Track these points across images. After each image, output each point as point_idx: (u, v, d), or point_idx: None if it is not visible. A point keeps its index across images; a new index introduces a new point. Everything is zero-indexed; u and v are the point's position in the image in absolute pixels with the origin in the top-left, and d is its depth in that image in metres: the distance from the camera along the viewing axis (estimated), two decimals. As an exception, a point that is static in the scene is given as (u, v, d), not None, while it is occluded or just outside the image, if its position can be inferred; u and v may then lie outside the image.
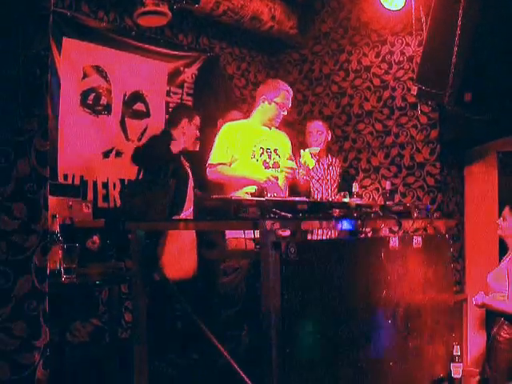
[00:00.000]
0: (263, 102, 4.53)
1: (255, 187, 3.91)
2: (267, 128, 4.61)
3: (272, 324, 2.90)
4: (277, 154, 4.55)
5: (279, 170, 4.47)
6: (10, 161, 2.45)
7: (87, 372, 4.27)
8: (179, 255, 4.32)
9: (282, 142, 4.68)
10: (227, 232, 4.28)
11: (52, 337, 2.67)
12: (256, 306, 4.12)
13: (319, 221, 3.34)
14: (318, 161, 5.59)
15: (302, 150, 4.57)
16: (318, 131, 5.64)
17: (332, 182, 5.68)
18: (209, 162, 4.42)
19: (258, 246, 4.00)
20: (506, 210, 5.20)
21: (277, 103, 4.50)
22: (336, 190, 5.62)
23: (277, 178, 4.35)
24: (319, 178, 5.71)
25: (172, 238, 4.36)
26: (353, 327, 3.41)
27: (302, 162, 4.52)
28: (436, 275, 4.25)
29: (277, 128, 4.69)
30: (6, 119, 2.47)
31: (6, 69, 2.49)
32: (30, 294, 2.50)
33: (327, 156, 5.79)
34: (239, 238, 4.10)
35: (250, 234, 3.91)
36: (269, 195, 3.56)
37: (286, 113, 4.59)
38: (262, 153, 4.48)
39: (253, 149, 4.45)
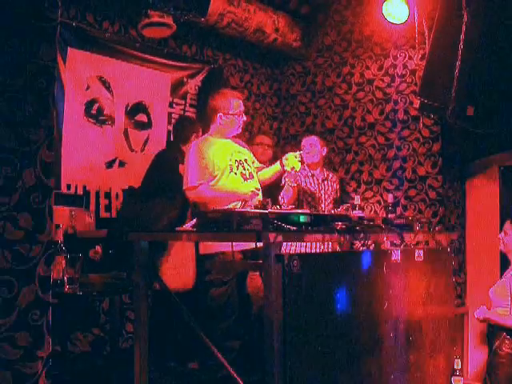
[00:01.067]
0: (220, 118, 4.52)
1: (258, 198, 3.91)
2: (229, 140, 4.63)
3: (274, 336, 2.90)
4: (248, 164, 4.58)
5: (254, 180, 4.51)
6: (16, 171, 2.46)
7: (88, 381, 4.26)
8: (180, 267, 4.33)
9: (246, 151, 4.71)
10: (213, 246, 4.22)
11: (54, 346, 2.67)
12: (250, 317, 4.16)
13: (322, 234, 3.34)
14: (312, 175, 5.66)
15: (284, 156, 4.56)
16: (311, 144, 5.63)
17: (326, 196, 5.66)
18: (188, 184, 4.36)
19: (249, 260, 4.06)
20: (507, 224, 5.20)
21: (233, 114, 4.52)
22: (331, 206, 5.60)
23: (259, 190, 4.37)
24: (312, 193, 5.69)
25: (175, 249, 4.37)
26: (354, 340, 3.41)
27: (288, 167, 4.51)
28: (437, 288, 4.24)
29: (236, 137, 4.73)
30: (13, 129, 2.48)
31: (13, 79, 2.51)
32: (33, 303, 2.51)
33: (322, 170, 5.79)
34: (226, 251, 4.08)
35: (238, 246, 3.94)
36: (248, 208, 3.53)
37: (244, 118, 4.61)
38: (238, 165, 4.49)
39: (229, 163, 4.44)
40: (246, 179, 4.46)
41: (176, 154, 5.07)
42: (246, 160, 4.58)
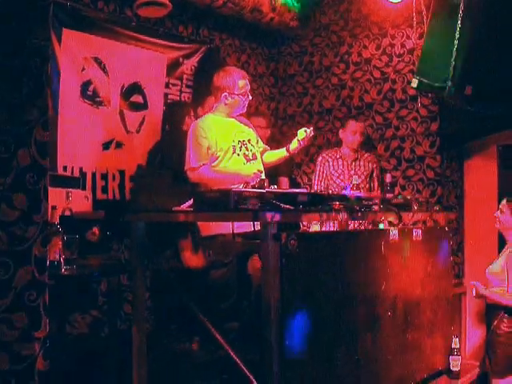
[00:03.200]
0: (225, 98, 4.45)
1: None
2: (233, 119, 4.57)
3: (271, 316, 2.90)
4: (251, 145, 4.53)
5: (257, 161, 4.47)
6: (10, 151, 2.44)
7: (86, 363, 4.26)
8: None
9: (249, 131, 4.65)
10: (213, 228, 4.21)
11: (51, 328, 2.67)
12: (250, 299, 4.16)
13: (319, 213, 3.33)
14: (340, 157, 5.90)
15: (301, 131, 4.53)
16: (355, 132, 5.93)
17: (359, 174, 5.75)
18: (190, 165, 4.33)
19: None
20: (504, 202, 5.20)
21: (239, 94, 4.45)
22: (362, 185, 5.67)
23: (261, 172, 4.34)
24: (339, 174, 5.78)
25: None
26: (352, 319, 3.42)
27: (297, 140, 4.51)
28: (435, 268, 4.25)
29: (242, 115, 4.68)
30: (7, 109, 2.46)
31: (7, 59, 2.48)
32: (30, 284, 2.50)
33: (355, 152, 5.91)
34: (226, 233, 4.07)
35: (240, 228, 3.92)
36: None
37: (250, 98, 4.55)
38: (241, 146, 4.44)
39: (232, 144, 4.40)
40: (248, 160, 4.43)
41: (177, 137, 5.09)
42: (249, 140, 4.53)
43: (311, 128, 4.50)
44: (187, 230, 4.60)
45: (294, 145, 4.53)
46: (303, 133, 4.45)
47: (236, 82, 4.45)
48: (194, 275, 4.49)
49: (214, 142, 4.34)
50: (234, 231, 3.81)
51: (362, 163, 5.91)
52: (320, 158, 6.09)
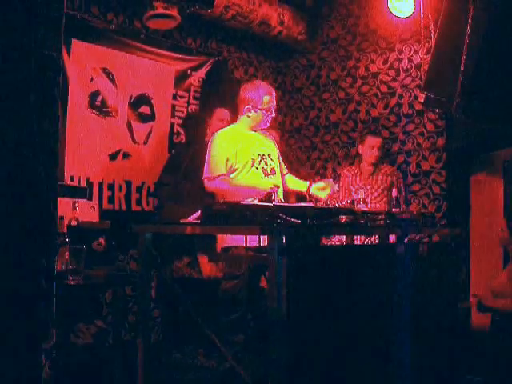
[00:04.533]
0: (249, 111, 4.43)
1: None
2: (255, 132, 4.55)
3: (278, 329, 2.90)
4: (271, 159, 4.50)
5: (276, 176, 4.45)
6: (20, 161, 2.45)
7: (90, 373, 4.26)
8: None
9: (271, 145, 4.63)
10: (227, 240, 4.20)
11: (56, 338, 2.67)
12: (259, 311, 4.16)
13: (326, 227, 3.33)
14: (358, 172, 5.96)
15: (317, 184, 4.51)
16: (373, 146, 5.94)
17: (373, 191, 5.75)
18: (207, 174, 4.32)
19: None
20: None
21: (262, 109, 4.43)
22: (379, 199, 5.68)
23: (278, 187, 4.32)
24: (356, 189, 5.80)
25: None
26: (358, 333, 3.41)
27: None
28: (441, 283, 4.24)
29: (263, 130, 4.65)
30: (18, 120, 2.47)
31: (19, 70, 2.50)
32: (37, 294, 2.51)
33: (373, 166, 5.94)
34: (239, 246, 4.04)
35: (252, 242, 3.92)
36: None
37: (274, 114, 4.52)
38: (260, 160, 4.42)
39: (251, 157, 4.38)
40: (267, 175, 4.40)
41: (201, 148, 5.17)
42: (269, 155, 4.51)
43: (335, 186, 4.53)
44: (205, 240, 4.63)
45: (316, 193, 4.45)
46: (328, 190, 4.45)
47: (261, 96, 4.43)
48: (204, 286, 4.51)
49: (233, 154, 4.32)
50: (248, 244, 3.79)
51: (379, 177, 5.90)
52: (342, 174, 6.18)
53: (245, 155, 4.37)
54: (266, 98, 4.44)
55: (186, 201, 4.82)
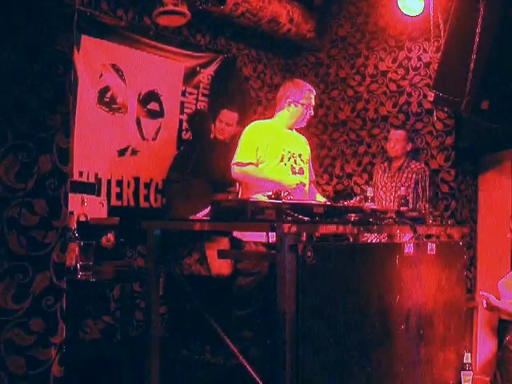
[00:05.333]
0: (289, 105, 4.45)
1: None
2: (291, 131, 4.56)
3: (286, 327, 2.90)
4: (301, 160, 4.50)
5: (303, 176, 4.45)
6: (32, 156, 2.45)
7: (98, 369, 4.27)
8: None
9: (304, 146, 4.63)
10: (248, 235, 4.20)
11: (66, 333, 2.68)
12: (271, 308, 4.16)
13: (335, 225, 3.33)
14: (385, 169, 5.94)
15: None
16: (397, 139, 5.90)
17: (396, 189, 5.70)
18: (237, 159, 4.33)
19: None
20: None
21: (303, 104, 4.45)
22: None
23: (304, 185, 4.33)
24: (382, 186, 5.78)
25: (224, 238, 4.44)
26: (366, 332, 3.41)
27: None
28: (449, 282, 4.24)
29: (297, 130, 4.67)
30: (29, 115, 2.48)
31: (30, 65, 2.50)
32: (47, 290, 2.51)
33: (401, 162, 5.89)
34: (259, 241, 4.04)
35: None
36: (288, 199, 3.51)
37: (312, 112, 4.54)
38: (290, 157, 4.42)
39: (282, 152, 4.38)
40: (294, 173, 4.41)
41: (209, 145, 5.19)
42: (300, 155, 4.51)
43: None
44: (216, 237, 4.65)
45: None
46: None
47: (304, 91, 4.47)
48: (213, 282, 4.51)
49: (264, 146, 4.33)
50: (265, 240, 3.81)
51: (405, 174, 5.84)
52: (374, 169, 6.20)
53: (275, 150, 4.37)
54: (308, 94, 4.48)
55: (194, 198, 4.83)
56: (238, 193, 4.75)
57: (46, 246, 2.50)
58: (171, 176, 5.49)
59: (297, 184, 4.21)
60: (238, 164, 4.32)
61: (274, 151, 4.36)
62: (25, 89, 2.49)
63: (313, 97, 4.52)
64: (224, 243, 4.68)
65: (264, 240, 3.89)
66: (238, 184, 4.84)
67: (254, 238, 4.13)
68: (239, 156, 4.34)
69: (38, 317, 2.49)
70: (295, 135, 4.61)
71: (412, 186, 5.74)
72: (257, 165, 4.34)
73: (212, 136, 5.53)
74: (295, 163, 4.43)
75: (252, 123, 4.53)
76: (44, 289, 2.50)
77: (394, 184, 5.77)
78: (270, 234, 3.64)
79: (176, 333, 4.99)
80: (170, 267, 4.16)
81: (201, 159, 5.24)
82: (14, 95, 2.41)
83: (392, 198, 5.71)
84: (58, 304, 2.54)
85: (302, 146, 4.60)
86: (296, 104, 4.44)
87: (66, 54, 2.62)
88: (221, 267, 4.64)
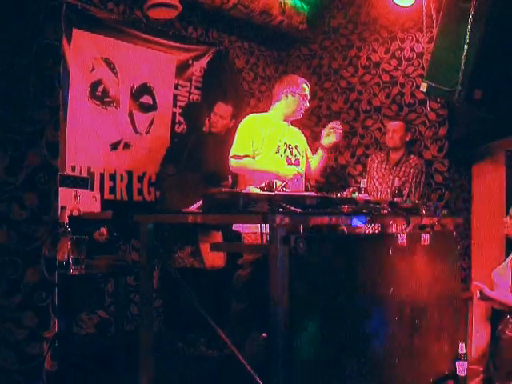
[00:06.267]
0: (286, 95, 4.59)
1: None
2: (286, 123, 4.64)
3: (279, 318, 2.90)
4: (297, 151, 4.60)
5: (299, 166, 4.50)
6: (21, 150, 2.45)
7: (93, 363, 4.27)
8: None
9: (300, 138, 4.75)
10: (244, 226, 4.27)
11: (59, 328, 2.67)
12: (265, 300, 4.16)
13: (328, 216, 3.33)
14: (383, 161, 5.93)
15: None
16: (395, 130, 5.90)
17: (394, 181, 5.71)
18: (234, 152, 4.44)
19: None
20: None
21: (299, 95, 4.59)
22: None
23: (301, 175, 4.38)
24: (379, 177, 5.77)
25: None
26: (360, 323, 3.41)
27: (327, 141, 4.68)
28: (443, 273, 4.24)
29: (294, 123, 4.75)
30: (18, 109, 2.47)
31: (19, 58, 2.49)
32: (39, 284, 2.51)
33: (400, 155, 5.90)
34: (257, 232, 4.06)
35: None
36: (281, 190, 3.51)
37: (308, 104, 4.68)
38: (286, 149, 4.52)
39: (277, 143, 4.49)
40: (290, 164, 4.51)
41: (201, 138, 5.18)
42: (296, 146, 4.62)
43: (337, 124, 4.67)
44: (209, 230, 4.66)
45: (325, 141, 4.68)
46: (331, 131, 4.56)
47: (300, 83, 4.65)
48: (206, 275, 4.51)
49: (260, 139, 4.45)
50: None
51: (403, 168, 5.83)
52: (369, 159, 6.16)
53: (271, 141, 4.48)
54: (304, 86, 4.67)
55: (188, 191, 4.83)
56: (231, 186, 4.78)
57: (37, 241, 2.50)
58: (165, 169, 5.48)
59: (294, 174, 4.28)
60: (235, 157, 4.43)
61: (270, 143, 4.45)
62: (12, 82, 2.48)
63: (308, 89, 4.68)
64: (217, 236, 4.68)
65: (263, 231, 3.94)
66: (230, 177, 4.87)
67: (253, 229, 4.17)
68: (236, 149, 4.45)
69: (29, 311, 2.48)
70: (291, 127, 4.71)
71: (410, 180, 5.75)
72: (253, 157, 4.42)
73: (206, 129, 5.51)
74: (291, 154, 4.52)
75: (248, 116, 4.63)
76: (35, 283, 2.50)
77: (391, 177, 5.77)
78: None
79: (171, 326, 4.98)
80: (164, 261, 4.15)
81: (194, 152, 5.23)
82: (1, 89, 2.39)
83: (389, 190, 5.70)
84: (50, 298, 2.54)
85: (298, 138, 4.69)
86: (293, 94, 4.59)
87: (55, 47, 2.62)
88: (214, 260, 4.66)
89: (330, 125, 4.72)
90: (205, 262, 4.79)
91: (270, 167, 4.38)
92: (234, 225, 4.44)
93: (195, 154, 5.22)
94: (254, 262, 4.22)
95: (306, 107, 4.72)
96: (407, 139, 5.93)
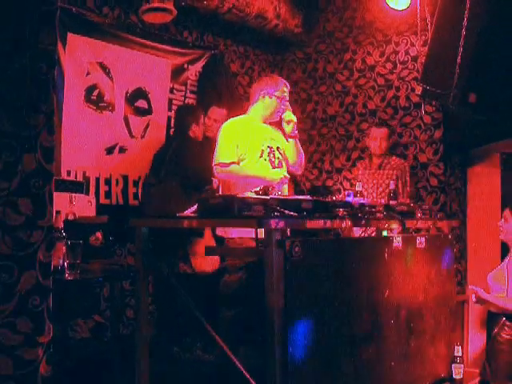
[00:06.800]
0: (263, 96, 4.43)
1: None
2: (266, 125, 4.54)
3: (275, 322, 2.90)
4: (279, 153, 4.48)
5: (283, 169, 4.44)
6: (15, 155, 2.44)
7: (88, 368, 4.26)
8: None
9: (281, 138, 4.59)
10: (232, 231, 4.19)
11: (54, 333, 2.66)
12: (259, 305, 4.14)
13: (323, 219, 3.33)
14: (367, 166, 5.97)
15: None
16: (382, 138, 5.92)
17: (378, 185, 5.72)
18: (219, 160, 4.28)
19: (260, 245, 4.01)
20: (507, 211, 5.18)
21: (277, 97, 4.41)
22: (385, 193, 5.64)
23: (287, 179, 4.32)
24: (364, 183, 5.78)
25: (207, 233, 4.40)
26: (355, 326, 3.41)
27: (288, 128, 4.44)
28: (438, 275, 4.25)
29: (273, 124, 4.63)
30: (12, 113, 2.46)
31: (13, 63, 2.48)
32: (33, 289, 2.50)
33: (382, 159, 5.92)
34: (244, 237, 4.03)
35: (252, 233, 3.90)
36: (275, 194, 3.50)
37: (285, 106, 4.46)
38: (269, 152, 4.40)
39: (261, 148, 4.36)
40: (274, 167, 4.38)
41: (183, 143, 5.13)
42: (278, 148, 4.49)
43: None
44: (197, 234, 4.63)
45: (287, 129, 4.47)
46: (290, 114, 4.45)
47: (278, 83, 4.47)
48: (198, 280, 4.49)
49: (243, 143, 4.31)
50: (247, 236, 3.79)
51: (386, 171, 5.85)
52: (355, 168, 6.25)
53: (255, 145, 4.35)
54: (282, 87, 4.47)
55: (168, 200, 4.79)
56: (216, 190, 4.74)
57: (32, 246, 2.49)
58: (148, 179, 5.44)
59: (281, 178, 4.20)
60: (221, 165, 4.29)
61: (253, 147, 4.33)
62: (7, 87, 2.47)
63: (286, 90, 4.49)
64: (207, 240, 4.64)
65: (249, 235, 3.92)
66: (214, 181, 4.83)
67: (236, 234, 4.13)
68: (220, 156, 4.30)
69: (24, 317, 2.47)
70: (271, 129, 4.57)
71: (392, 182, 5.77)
72: (239, 163, 4.31)
73: (192, 133, 5.40)
74: (274, 157, 4.40)
75: (228, 121, 4.48)
76: (30, 288, 2.49)
77: (375, 181, 5.79)
78: (258, 230, 3.67)
79: (166, 330, 4.97)
80: (157, 265, 4.13)
81: (175, 158, 5.19)
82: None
83: (375, 195, 5.71)
84: (45, 304, 2.53)
85: (278, 139, 4.57)
86: (270, 96, 4.42)
87: (49, 52, 2.61)
88: (202, 264, 4.58)
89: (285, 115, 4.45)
90: (194, 266, 4.76)
91: (256, 172, 4.27)
92: (217, 230, 4.36)
93: (176, 160, 5.18)
94: (242, 268, 4.16)
95: (286, 109, 4.47)
96: (390, 145, 5.99)
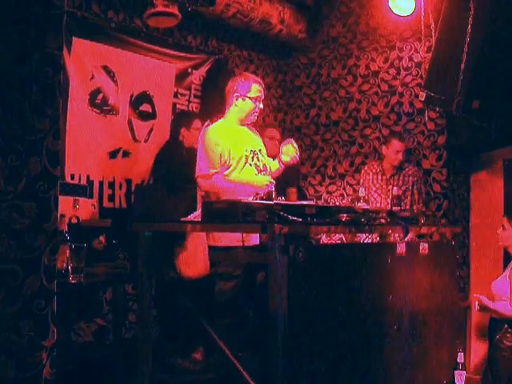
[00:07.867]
0: (236, 99, 4.28)
1: None
2: (244, 127, 4.42)
3: (278, 328, 2.90)
4: (262, 155, 4.39)
5: (267, 172, 4.39)
6: (21, 159, 2.45)
7: (91, 371, 4.26)
8: (195, 254, 4.26)
9: (259, 140, 4.52)
10: (221, 239, 4.07)
11: (58, 336, 2.67)
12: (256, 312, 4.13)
13: (327, 225, 3.33)
14: (380, 171, 5.92)
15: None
16: (398, 151, 5.85)
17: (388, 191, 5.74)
18: (201, 172, 4.18)
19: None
20: (505, 219, 5.17)
21: (251, 98, 4.28)
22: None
23: (273, 183, 4.22)
24: (377, 188, 5.78)
25: (192, 238, 4.34)
26: (358, 332, 3.41)
27: (287, 157, 4.39)
28: (441, 282, 4.24)
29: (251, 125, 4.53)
30: (18, 117, 2.47)
31: (19, 67, 2.50)
32: (38, 292, 2.51)
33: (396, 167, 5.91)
34: (233, 246, 3.98)
35: (252, 241, 3.88)
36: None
37: (261, 105, 4.37)
38: (253, 156, 4.30)
39: (244, 153, 4.25)
40: (259, 171, 4.29)
41: (177, 147, 5.13)
42: (260, 150, 4.39)
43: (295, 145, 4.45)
44: (182, 239, 4.59)
45: (285, 159, 4.41)
46: (292, 149, 4.39)
47: (250, 84, 4.30)
48: (200, 286, 4.47)
49: (226, 150, 4.19)
50: (245, 244, 3.77)
51: (401, 177, 5.86)
52: (362, 171, 6.15)
53: (238, 151, 4.24)
54: (255, 86, 4.32)
55: (159, 201, 4.79)
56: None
57: (37, 249, 2.50)
58: (138, 186, 5.47)
59: (266, 184, 4.08)
60: (203, 177, 4.20)
61: (237, 153, 4.22)
62: (14, 91, 2.48)
63: (261, 89, 4.35)
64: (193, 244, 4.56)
65: (236, 244, 3.89)
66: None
67: (225, 242, 4.05)
68: (203, 167, 4.20)
69: (28, 320, 2.48)
70: (249, 131, 4.47)
71: (410, 188, 5.77)
72: (222, 172, 4.20)
73: (180, 139, 5.36)
74: (258, 160, 4.30)
75: (207, 128, 4.33)
76: (35, 292, 2.50)
77: (390, 187, 5.77)
78: (244, 236, 3.64)
79: (168, 335, 4.95)
80: (157, 270, 4.10)
81: (161, 162, 5.19)
82: (3, 98, 2.40)
83: (389, 200, 5.71)
84: (49, 307, 2.54)
85: (257, 141, 4.48)
86: (243, 98, 4.28)
87: (55, 57, 2.62)
88: (186, 269, 4.43)
89: (288, 144, 4.41)
90: (180, 271, 4.67)
91: (243, 179, 4.17)
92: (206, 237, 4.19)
93: (162, 164, 5.17)
94: (237, 276, 4.11)
95: (260, 109, 4.38)
96: None
